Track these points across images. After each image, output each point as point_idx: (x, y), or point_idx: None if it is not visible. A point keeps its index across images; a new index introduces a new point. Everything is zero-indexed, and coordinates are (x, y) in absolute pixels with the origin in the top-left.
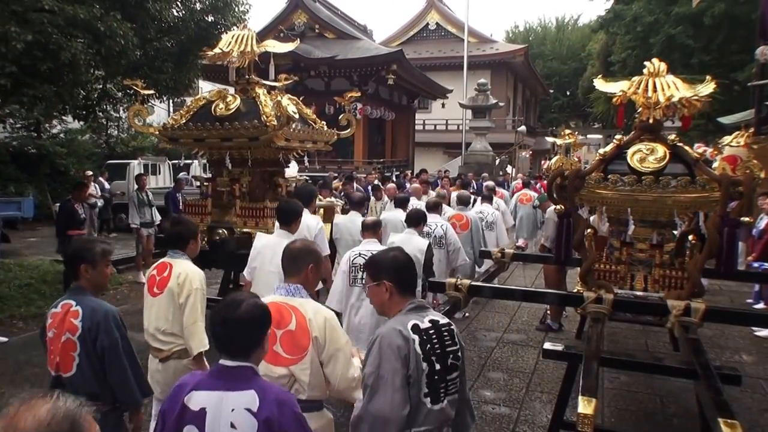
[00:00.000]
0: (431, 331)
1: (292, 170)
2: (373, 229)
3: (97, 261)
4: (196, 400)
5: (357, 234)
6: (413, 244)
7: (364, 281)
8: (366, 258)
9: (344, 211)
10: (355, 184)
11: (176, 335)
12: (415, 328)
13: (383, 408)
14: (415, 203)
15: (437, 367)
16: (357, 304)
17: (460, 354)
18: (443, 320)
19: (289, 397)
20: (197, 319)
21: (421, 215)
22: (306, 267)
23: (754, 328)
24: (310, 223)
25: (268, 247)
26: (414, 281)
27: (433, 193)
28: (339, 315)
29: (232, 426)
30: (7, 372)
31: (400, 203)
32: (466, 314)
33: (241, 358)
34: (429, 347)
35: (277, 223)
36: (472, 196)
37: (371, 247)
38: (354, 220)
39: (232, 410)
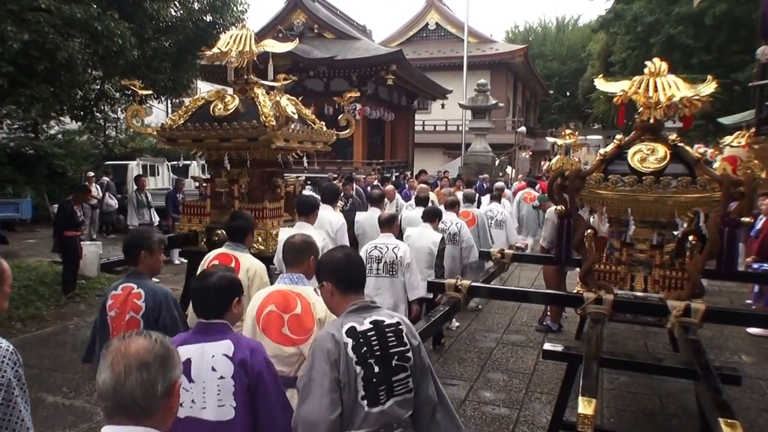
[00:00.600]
0: (370, 333)
1: None
2: (388, 224)
3: (154, 248)
4: (182, 352)
5: (377, 229)
6: (427, 237)
7: (378, 272)
8: (381, 251)
9: (343, 212)
10: (354, 185)
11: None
12: (351, 331)
13: (312, 411)
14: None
15: (376, 369)
16: (374, 292)
17: (409, 354)
18: (390, 320)
19: (258, 345)
20: None
21: (437, 212)
22: (308, 258)
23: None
24: (332, 219)
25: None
26: (357, 280)
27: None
28: None
29: (213, 369)
30: None
31: (421, 202)
32: (479, 306)
33: (216, 317)
34: (365, 350)
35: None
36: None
37: (387, 240)
38: (373, 216)
39: (213, 356)
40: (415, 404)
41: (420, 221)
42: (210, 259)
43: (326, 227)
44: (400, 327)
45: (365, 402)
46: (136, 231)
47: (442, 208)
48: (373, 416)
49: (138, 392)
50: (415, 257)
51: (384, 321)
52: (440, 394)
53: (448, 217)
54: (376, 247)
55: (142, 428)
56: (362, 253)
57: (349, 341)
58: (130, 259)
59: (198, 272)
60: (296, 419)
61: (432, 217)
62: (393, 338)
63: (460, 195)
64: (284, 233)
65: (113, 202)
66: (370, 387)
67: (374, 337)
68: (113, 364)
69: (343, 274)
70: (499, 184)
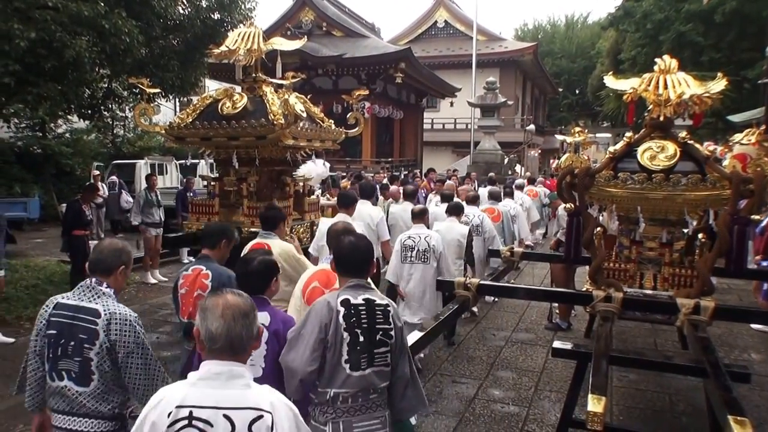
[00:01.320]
0: (361, 308)
1: (318, 167)
2: (420, 216)
3: (232, 240)
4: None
5: (409, 221)
6: (455, 230)
7: (411, 259)
8: (414, 240)
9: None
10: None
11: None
12: (344, 302)
13: (294, 360)
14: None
15: (361, 339)
16: (407, 276)
17: (392, 333)
18: (381, 301)
19: (290, 319)
20: None
21: (460, 206)
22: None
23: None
24: (372, 212)
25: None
26: (354, 266)
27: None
28: (394, 286)
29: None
30: (14, 373)
31: (446, 198)
32: (495, 300)
33: (258, 294)
34: (354, 320)
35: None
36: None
37: (419, 231)
38: (406, 209)
39: None
40: (391, 379)
41: (444, 216)
42: (249, 247)
43: (366, 220)
44: (389, 309)
45: (347, 365)
46: (218, 223)
47: (464, 203)
48: (353, 379)
49: (244, 334)
50: (445, 248)
51: (375, 300)
52: (413, 374)
53: (471, 211)
54: (410, 237)
55: (239, 363)
56: (397, 242)
57: (342, 310)
58: (209, 244)
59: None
60: (281, 362)
61: (457, 211)
62: (381, 316)
63: (484, 192)
64: (325, 223)
65: (130, 199)
66: (353, 353)
67: (364, 312)
68: (224, 315)
69: (341, 258)
70: (519, 181)
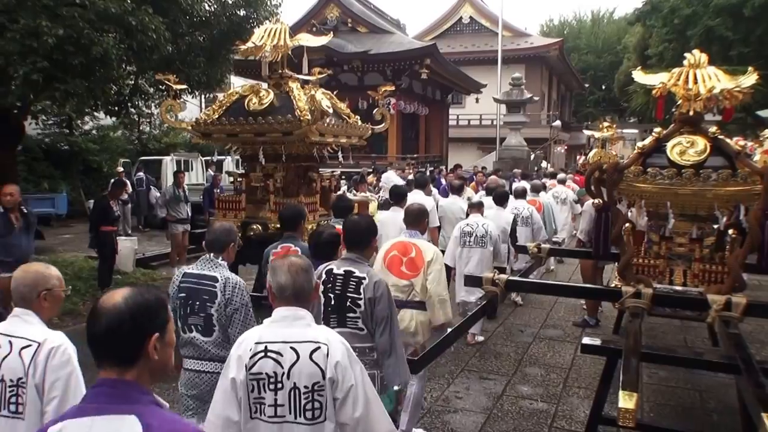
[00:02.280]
0: (339, 276)
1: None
2: (477, 207)
3: (305, 220)
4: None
5: (458, 213)
6: (502, 218)
7: (470, 244)
8: (473, 227)
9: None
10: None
11: None
12: (328, 272)
13: None
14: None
15: (332, 302)
16: (466, 259)
17: (360, 303)
18: (359, 274)
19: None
20: None
21: (505, 196)
22: (423, 221)
23: None
24: (426, 201)
25: (388, 219)
26: (352, 240)
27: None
28: (450, 268)
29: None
30: None
31: (490, 191)
32: (520, 302)
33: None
34: (330, 285)
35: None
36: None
37: (476, 219)
38: (455, 202)
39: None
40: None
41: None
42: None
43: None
44: (363, 281)
45: (323, 321)
46: (295, 206)
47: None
48: None
49: (306, 286)
50: (495, 243)
51: (354, 273)
52: (393, 345)
53: (520, 203)
54: (468, 224)
55: (302, 308)
56: (456, 229)
57: (324, 276)
58: (290, 227)
59: (311, 236)
60: None
61: (503, 200)
62: (353, 286)
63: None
64: (381, 215)
65: (158, 194)
66: (326, 311)
67: (339, 280)
68: (289, 270)
69: (346, 235)
70: (537, 182)
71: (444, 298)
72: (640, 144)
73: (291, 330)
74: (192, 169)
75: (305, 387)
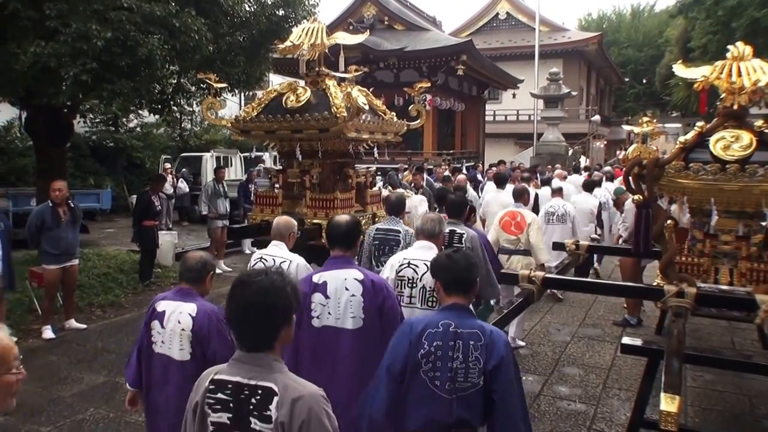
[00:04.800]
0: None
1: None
2: (558, 192)
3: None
4: (321, 277)
5: (505, 201)
6: (589, 202)
7: (553, 222)
8: (554, 208)
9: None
10: (424, 175)
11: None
12: (450, 232)
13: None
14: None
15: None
16: (551, 233)
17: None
18: (458, 230)
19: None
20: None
21: (593, 184)
22: (525, 197)
23: None
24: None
25: (492, 198)
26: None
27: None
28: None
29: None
30: (86, 358)
31: (546, 182)
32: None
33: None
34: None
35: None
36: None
37: (557, 202)
38: (500, 195)
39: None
40: None
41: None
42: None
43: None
44: (463, 235)
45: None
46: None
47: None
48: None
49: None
50: (579, 215)
51: (456, 231)
52: (488, 273)
53: (600, 192)
54: (551, 206)
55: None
56: (542, 210)
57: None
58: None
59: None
60: None
61: (590, 188)
62: (457, 239)
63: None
64: (488, 195)
65: (184, 186)
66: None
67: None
68: (427, 219)
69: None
70: (575, 179)
71: (542, 246)
72: (681, 138)
73: (425, 253)
74: (231, 165)
75: (429, 287)
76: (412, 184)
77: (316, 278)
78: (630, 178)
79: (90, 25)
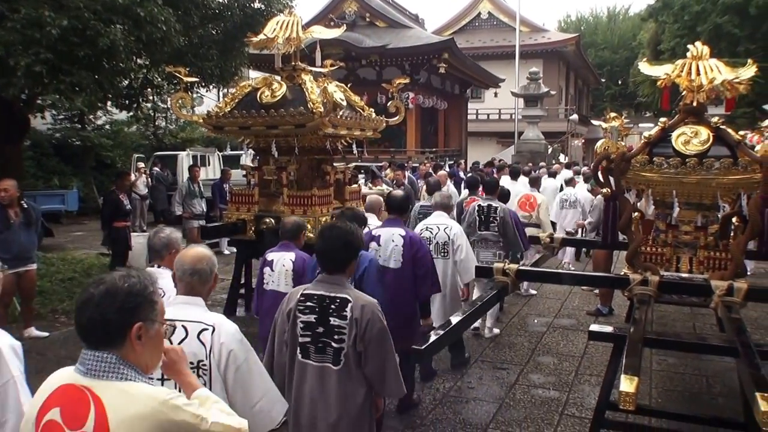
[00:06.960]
0: (484, 209)
1: None
2: (570, 182)
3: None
4: (375, 232)
5: (516, 191)
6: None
7: (566, 207)
8: (568, 195)
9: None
10: (406, 173)
11: None
12: (479, 206)
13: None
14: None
15: (479, 221)
16: (563, 217)
17: (496, 223)
18: (494, 204)
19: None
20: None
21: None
22: (538, 184)
23: None
24: (521, 189)
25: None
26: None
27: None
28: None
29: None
30: (47, 368)
31: (552, 174)
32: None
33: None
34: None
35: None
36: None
37: (570, 191)
38: (514, 183)
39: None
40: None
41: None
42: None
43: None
44: (498, 211)
45: (479, 228)
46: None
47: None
48: None
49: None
50: (582, 206)
51: (493, 205)
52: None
53: (569, 190)
54: (564, 194)
55: (401, 217)
56: (557, 197)
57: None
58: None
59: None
60: None
61: (587, 179)
62: (492, 214)
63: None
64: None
65: (143, 186)
66: (480, 222)
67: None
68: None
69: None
70: (566, 173)
71: (548, 222)
72: (646, 134)
73: (439, 219)
74: (209, 164)
75: (441, 243)
76: (394, 181)
77: (375, 232)
78: (599, 171)
79: (42, 11)
